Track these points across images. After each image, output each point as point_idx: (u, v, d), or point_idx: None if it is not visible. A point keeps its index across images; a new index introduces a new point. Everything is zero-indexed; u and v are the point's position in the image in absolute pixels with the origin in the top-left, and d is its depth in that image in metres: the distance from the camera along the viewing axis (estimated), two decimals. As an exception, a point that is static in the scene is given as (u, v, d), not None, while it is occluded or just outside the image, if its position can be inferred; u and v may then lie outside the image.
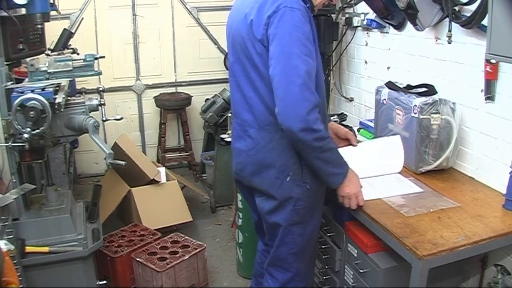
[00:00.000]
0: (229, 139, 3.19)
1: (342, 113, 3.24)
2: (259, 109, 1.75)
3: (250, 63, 1.72)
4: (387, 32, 2.76)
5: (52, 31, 2.78)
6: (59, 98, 1.84)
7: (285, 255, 1.89)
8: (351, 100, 3.30)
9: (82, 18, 3.76)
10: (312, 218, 1.86)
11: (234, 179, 2.00)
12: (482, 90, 2.02)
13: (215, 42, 4.32)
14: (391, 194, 1.94)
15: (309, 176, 1.78)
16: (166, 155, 4.13)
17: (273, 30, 1.61)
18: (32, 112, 1.76)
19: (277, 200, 1.80)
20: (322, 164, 1.71)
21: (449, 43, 2.08)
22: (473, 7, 1.92)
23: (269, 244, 1.99)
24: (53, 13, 2.31)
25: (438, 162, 2.10)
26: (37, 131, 1.78)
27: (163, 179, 3.32)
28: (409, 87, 2.26)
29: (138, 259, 2.44)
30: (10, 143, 1.87)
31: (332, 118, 2.65)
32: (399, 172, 2.13)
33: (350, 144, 2.11)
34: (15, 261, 1.62)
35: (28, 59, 2.08)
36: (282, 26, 1.59)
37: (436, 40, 2.31)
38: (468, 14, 1.95)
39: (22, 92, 1.82)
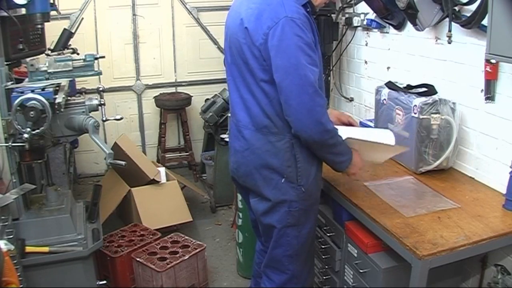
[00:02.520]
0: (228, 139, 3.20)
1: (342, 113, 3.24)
2: (255, 111, 1.75)
3: (246, 67, 1.73)
4: (387, 32, 2.76)
5: (52, 31, 2.78)
6: (59, 98, 1.84)
7: (280, 257, 1.89)
8: (351, 100, 3.30)
9: (82, 18, 3.76)
10: (307, 220, 1.86)
11: (231, 177, 2.00)
12: (482, 90, 2.02)
13: (215, 42, 4.32)
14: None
15: (304, 179, 1.78)
16: (166, 155, 4.13)
17: (276, 42, 1.60)
18: (32, 112, 1.76)
19: (271, 202, 1.80)
20: (334, 156, 1.79)
21: (449, 43, 2.08)
22: (473, 7, 1.92)
23: (266, 245, 1.99)
24: (53, 13, 2.31)
25: (438, 162, 2.10)
26: (37, 131, 1.78)
27: (163, 179, 3.31)
28: (409, 87, 2.26)
29: (138, 259, 2.44)
30: (10, 143, 1.87)
31: (332, 118, 2.66)
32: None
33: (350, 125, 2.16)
34: (15, 261, 1.62)
35: (28, 59, 2.08)
36: (285, 38, 1.59)
37: (436, 40, 2.31)
38: (468, 14, 1.95)
39: (22, 92, 1.82)
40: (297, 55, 1.60)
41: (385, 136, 2.10)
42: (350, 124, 2.16)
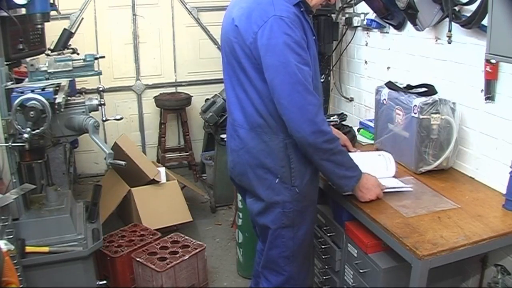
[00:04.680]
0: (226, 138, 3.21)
1: (342, 113, 3.22)
2: (250, 111, 1.75)
3: (239, 66, 1.73)
4: (387, 32, 2.76)
5: (52, 31, 2.78)
6: (59, 98, 1.84)
7: (276, 258, 1.88)
8: (351, 100, 3.30)
9: (82, 18, 3.76)
10: (303, 221, 1.85)
11: (229, 176, 2.01)
12: (482, 90, 2.02)
13: (215, 42, 4.32)
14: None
15: (298, 180, 1.78)
16: (166, 155, 4.13)
17: (265, 41, 1.61)
18: (32, 112, 1.76)
19: (265, 202, 1.80)
20: (333, 166, 1.73)
21: (449, 43, 2.08)
22: (473, 7, 1.92)
23: (264, 245, 1.99)
24: (53, 13, 2.31)
25: (438, 162, 2.10)
26: (37, 131, 1.78)
27: (163, 179, 3.31)
28: (409, 87, 2.26)
29: (138, 259, 2.44)
30: (10, 143, 1.87)
31: (332, 118, 2.65)
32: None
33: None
34: (15, 261, 1.62)
35: (28, 59, 2.08)
36: (274, 37, 1.60)
37: (436, 40, 2.31)
38: (468, 14, 1.95)
39: (22, 92, 1.81)
40: (285, 54, 1.60)
41: (380, 154, 2.14)
42: (344, 146, 2.14)
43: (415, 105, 2.05)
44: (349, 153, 1.97)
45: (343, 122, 2.65)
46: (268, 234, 1.86)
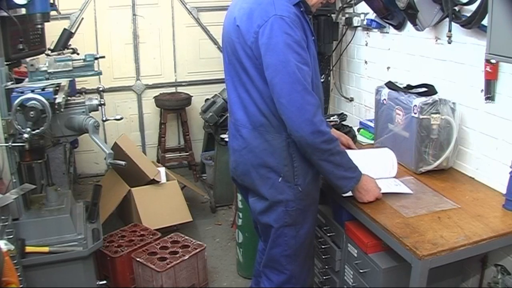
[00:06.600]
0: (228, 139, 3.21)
1: (342, 113, 3.23)
2: (252, 110, 1.76)
3: (240, 66, 1.74)
4: (387, 32, 2.76)
5: (52, 31, 2.78)
6: (59, 98, 1.84)
7: (278, 257, 1.89)
8: (351, 100, 3.30)
9: (82, 18, 3.76)
10: (305, 220, 1.86)
11: (231, 177, 2.01)
12: (482, 90, 2.02)
13: (215, 42, 4.32)
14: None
15: (301, 178, 1.78)
16: (166, 155, 4.13)
17: (265, 40, 1.61)
18: (32, 112, 1.76)
19: (268, 201, 1.81)
20: (332, 167, 1.73)
21: (449, 43, 2.08)
22: (473, 7, 1.92)
23: (266, 244, 1.99)
24: (53, 13, 2.31)
25: (438, 162, 2.10)
26: (37, 131, 1.78)
27: (163, 179, 3.32)
28: (409, 87, 2.26)
29: (138, 259, 2.44)
30: (10, 143, 1.87)
31: (332, 118, 2.66)
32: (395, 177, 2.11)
33: (349, 148, 2.14)
34: (15, 261, 1.62)
35: (28, 59, 2.08)
36: (274, 36, 1.60)
37: (436, 40, 2.31)
38: (468, 14, 1.95)
39: (22, 92, 1.82)
40: (285, 53, 1.60)
41: (384, 153, 2.13)
42: (348, 148, 2.16)
43: (415, 105, 2.05)
44: (351, 151, 1.97)
45: (343, 122, 2.66)
46: (270, 233, 1.87)
